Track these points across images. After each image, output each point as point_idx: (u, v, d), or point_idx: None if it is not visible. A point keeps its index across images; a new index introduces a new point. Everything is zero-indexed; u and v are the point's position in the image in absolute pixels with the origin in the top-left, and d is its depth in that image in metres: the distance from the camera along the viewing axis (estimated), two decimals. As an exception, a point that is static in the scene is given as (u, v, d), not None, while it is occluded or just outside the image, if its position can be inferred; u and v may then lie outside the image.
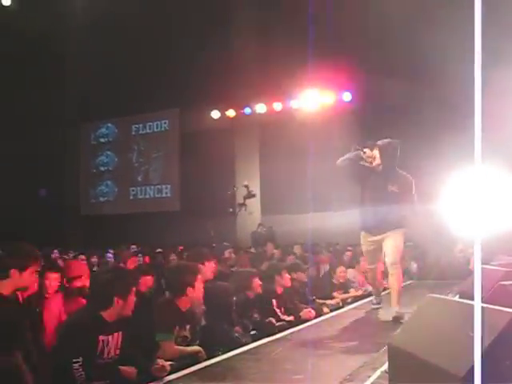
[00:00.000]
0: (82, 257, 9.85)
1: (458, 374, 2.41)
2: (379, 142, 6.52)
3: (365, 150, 6.52)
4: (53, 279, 4.93)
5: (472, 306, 2.84)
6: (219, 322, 5.07)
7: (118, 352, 3.91)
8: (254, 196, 16.25)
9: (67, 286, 5.00)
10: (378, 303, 7.28)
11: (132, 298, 3.99)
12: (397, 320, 5.96)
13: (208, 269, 5.60)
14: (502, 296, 3.59)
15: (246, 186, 16.90)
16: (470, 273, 10.01)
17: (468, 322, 2.70)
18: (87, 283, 4.88)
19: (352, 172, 6.67)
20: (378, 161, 6.48)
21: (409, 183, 6.51)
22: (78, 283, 4.97)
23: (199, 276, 4.80)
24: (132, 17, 16.02)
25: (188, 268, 4.92)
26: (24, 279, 3.77)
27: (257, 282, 6.09)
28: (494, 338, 2.40)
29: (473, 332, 2.52)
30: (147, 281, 5.94)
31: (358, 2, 13.51)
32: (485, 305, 2.53)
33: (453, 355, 2.58)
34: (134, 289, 4.11)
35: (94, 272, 5.97)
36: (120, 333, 3.94)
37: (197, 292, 4.72)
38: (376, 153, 6.47)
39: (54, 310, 4.62)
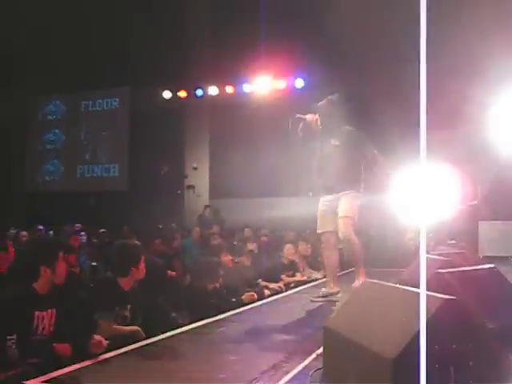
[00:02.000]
0: (24, 233, 9.69)
1: (389, 357, 2.46)
2: (318, 104, 6.44)
3: (306, 116, 6.39)
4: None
5: (407, 292, 2.91)
6: (156, 301, 5.05)
7: (52, 329, 3.87)
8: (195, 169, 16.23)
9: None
10: (325, 296, 6.35)
11: (61, 267, 3.94)
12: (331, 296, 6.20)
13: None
14: (438, 283, 3.66)
15: (195, 168, 16.91)
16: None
17: (402, 306, 2.76)
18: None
19: (304, 140, 6.40)
20: (319, 121, 6.39)
21: (353, 137, 6.31)
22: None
23: (143, 256, 4.77)
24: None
25: (133, 248, 4.88)
26: None
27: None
28: (426, 321, 2.45)
29: (406, 316, 2.57)
30: (70, 259, 5.80)
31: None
32: (417, 290, 2.57)
33: (385, 339, 2.62)
34: (62, 256, 4.04)
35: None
36: (54, 309, 3.89)
37: (139, 272, 4.69)
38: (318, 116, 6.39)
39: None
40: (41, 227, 11.37)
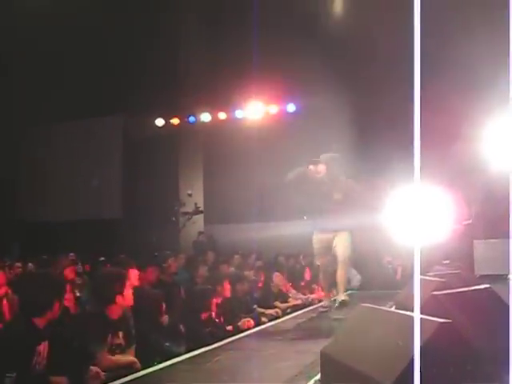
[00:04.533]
0: (18, 264, 9.61)
1: (386, 382, 2.44)
2: (322, 157, 7.30)
3: (310, 166, 7.22)
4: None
5: (402, 316, 2.90)
6: (150, 330, 5.01)
7: (45, 362, 3.82)
8: (201, 212, 16.31)
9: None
10: (327, 307, 7.55)
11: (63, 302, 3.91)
12: (343, 304, 6.89)
13: (132, 276, 5.52)
14: (433, 306, 3.65)
15: (190, 195, 16.88)
16: (398, 283, 10.35)
17: (398, 331, 2.75)
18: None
19: (301, 185, 7.26)
20: (323, 172, 7.24)
21: (354, 191, 7.26)
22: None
23: (127, 282, 4.70)
24: (78, 16, 15.68)
25: (115, 275, 4.82)
26: None
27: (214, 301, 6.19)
28: (422, 346, 2.44)
29: (402, 341, 2.56)
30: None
31: (304, 16, 13.69)
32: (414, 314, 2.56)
33: (381, 364, 2.61)
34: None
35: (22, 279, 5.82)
36: (47, 342, 3.85)
37: (127, 299, 4.63)
38: (321, 166, 7.22)
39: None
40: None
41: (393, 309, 4.79)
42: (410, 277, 9.64)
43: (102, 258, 11.72)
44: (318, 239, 7.44)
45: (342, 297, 7.16)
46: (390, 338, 2.75)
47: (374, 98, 13.67)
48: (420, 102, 2.23)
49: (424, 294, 4.23)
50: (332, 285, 7.75)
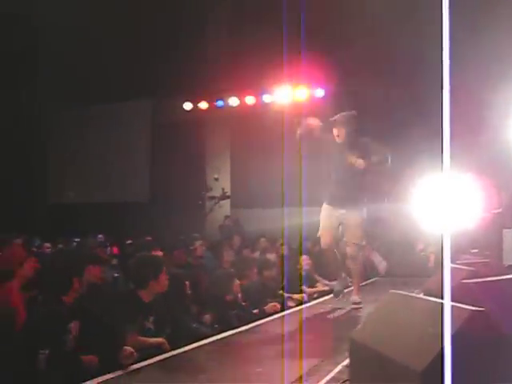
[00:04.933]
0: (47, 245, 9.75)
1: (416, 370, 2.44)
2: (335, 117, 6.56)
3: (310, 121, 6.57)
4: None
5: (432, 303, 2.88)
6: (177, 312, 5.04)
7: (76, 341, 3.89)
8: (228, 197, 16.37)
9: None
10: (339, 291, 6.89)
11: (88, 279, 3.96)
12: (355, 310, 6.27)
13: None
14: (463, 294, 3.63)
15: (216, 179, 16.94)
16: (430, 270, 10.24)
17: (428, 317, 2.74)
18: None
19: (313, 147, 6.73)
20: (336, 133, 6.54)
21: (368, 150, 6.41)
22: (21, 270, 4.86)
23: (164, 268, 4.74)
24: (102, 3, 15.77)
25: (151, 260, 4.86)
26: None
27: (237, 284, 6.15)
28: (453, 334, 2.43)
29: (432, 328, 2.55)
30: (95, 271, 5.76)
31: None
32: (445, 301, 2.55)
33: (412, 351, 2.61)
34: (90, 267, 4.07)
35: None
36: (78, 321, 3.92)
37: (160, 285, 4.66)
38: (338, 127, 6.51)
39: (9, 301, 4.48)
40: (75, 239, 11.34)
41: (421, 295, 4.78)
42: (440, 264, 9.60)
43: (130, 241, 11.84)
44: (325, 214, 6.62)
45: (353, 299, 6.56)
46: (421, 324, 2.74)
47: (403, 86, 13.54)
48: (450, 90, 2.21)
49: (453, 281, 4.22)
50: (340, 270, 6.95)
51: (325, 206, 6.62)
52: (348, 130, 6.45)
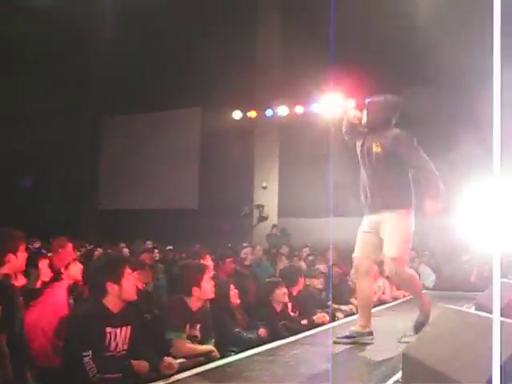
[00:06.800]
0: (100, 250, 9.91)
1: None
2: (368, 99, 5.36)
3: (350, 112, 5.40)
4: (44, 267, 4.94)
5: (488, 319, 2.81)
6: (224, 321, 5.05)
7: (126, 347, 3.93)
8: (265, 219, 16.45)
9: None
10: (352, 336, 5.20)
11: (128, 283, 3.99)
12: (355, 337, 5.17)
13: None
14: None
15: (264, 188, 16.99)
16: (472, 285, 9.92)
17: (484, 334, 2.67)
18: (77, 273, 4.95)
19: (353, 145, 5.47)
20: (364, 119, 5.29)
21: (398, 139, 5.08)
22: (68, 272, 4.96)
23: (206, 275, 4.70)
24: (155, 15, 16.07)
25: (193, 267, 4.86)
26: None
27: (281, 292, 6.01)
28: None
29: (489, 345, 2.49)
30: (139, 275, 5.72)
31: (384, 12, 13.54)
32: (502, 318, 2.49)
33: (468, 367, 2.55)
34: (130, 272, 4.09)
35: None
36: (128, 327, 3.96)
37: (204, 292, 4.63)
38: (364, 113, 5.31)
39: (58, 300, 4.58)
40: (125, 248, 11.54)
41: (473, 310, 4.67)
42: (485, 279, 9.35)
43: (170, 247, 11.95)
44: (363, 223, 5.29)
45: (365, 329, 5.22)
46: (476, 341, 2.68)
47: (450, 94, 13.37)
48: (500, 96, 2.17)
49: (507, 297, 4.12)
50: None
51: (364, 220, 5.33)
52: (375, 114, 5.22)
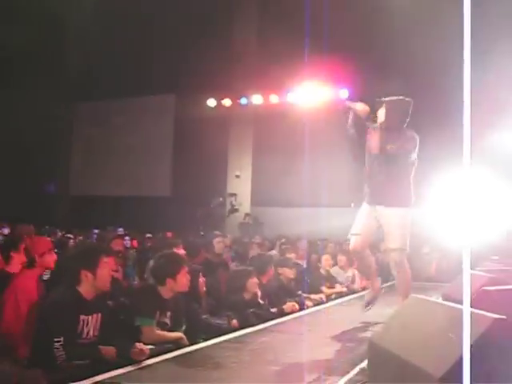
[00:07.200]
0: (70, 235, 9.86)
1: (435, 375, 2.43)
2: (386, 99, 5.53)
3: (357, 104, 5.53)
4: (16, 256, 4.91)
5: (454, 309, 2.87)
6: (194, 309, 5.05)
7: (97, 333, 3.94)
8: (236, 211, 16.49)
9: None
10: (368, 303, 5.82)
11: (103, 272, 3.98)
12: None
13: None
14: (484, 301, 3.60)
15: (238, 176, 17.00)
16: (432, 276, 10.03)
17: (449, 323, 2.72)
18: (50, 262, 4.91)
19: (359, 138, 5.59)
20: (381, 118, 5.50)
21: (412, 142, 5.39)
22: (42, 260, 4.92)
23: (183, 269, 4.67)
24: (130, 1, 15.92)
25: (171, 258, 4.85)
26: None
27: (253, 281, 6.03)
28: (475, 341, 2.41)
29: (453, 334, 2.54)
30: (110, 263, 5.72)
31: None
32: (471, 309, 2.53)
33: (432, 356, 2.60)
34: (106, 261, 4.08)
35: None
36: (99, 314, 3.97)
37: (178, 284, 4.61)
38: (382, 111, 5.52)
39: (27, 287, 4.54)
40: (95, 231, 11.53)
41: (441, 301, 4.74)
42: (445, 271, 9.47)
43: (149, 235, 11.92)
44: (361, 214, 5.60)
45: (367, 297, 5.82)
46: (442, 330, 2.73)
47: (424, 85, 13.49)
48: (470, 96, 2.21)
49: (474, 288, 4.19)
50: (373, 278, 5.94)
51: (363, 205, 5.63)
52: (394, 114, 5.43)
